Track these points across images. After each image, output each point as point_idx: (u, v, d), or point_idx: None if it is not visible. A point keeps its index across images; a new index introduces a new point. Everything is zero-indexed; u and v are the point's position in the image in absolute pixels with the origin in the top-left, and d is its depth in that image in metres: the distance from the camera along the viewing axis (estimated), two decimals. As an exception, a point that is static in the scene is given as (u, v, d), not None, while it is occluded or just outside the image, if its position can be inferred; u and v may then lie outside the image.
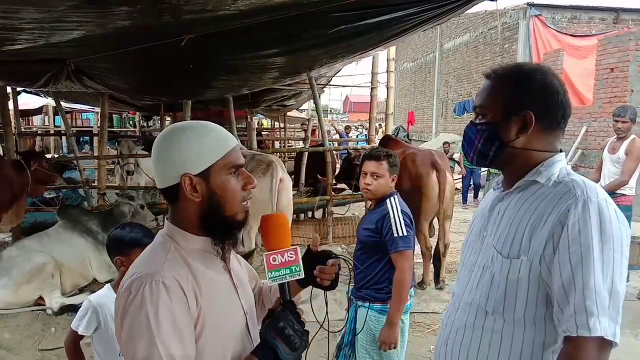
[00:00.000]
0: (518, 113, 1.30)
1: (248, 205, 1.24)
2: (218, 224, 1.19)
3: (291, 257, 1.26)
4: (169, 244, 1.18)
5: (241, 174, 1.22)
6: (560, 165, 1.32)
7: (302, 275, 1.27)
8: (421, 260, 5.51)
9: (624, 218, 1.22)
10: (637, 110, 5.30)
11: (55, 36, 3.34)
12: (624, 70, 9.24)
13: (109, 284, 2.19)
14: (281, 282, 1.25)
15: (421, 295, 5.05)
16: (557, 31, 13.76)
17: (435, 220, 5.46)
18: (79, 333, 2.07)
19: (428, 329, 4.35)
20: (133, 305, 1.05)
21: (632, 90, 9.16)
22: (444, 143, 12.47)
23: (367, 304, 2.59)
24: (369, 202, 2.86)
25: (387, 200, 2.61)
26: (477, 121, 1.39)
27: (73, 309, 4.38)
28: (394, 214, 2.54)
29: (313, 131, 11.35)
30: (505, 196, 1.39)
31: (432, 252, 5.31)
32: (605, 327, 1.11)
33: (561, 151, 1.38)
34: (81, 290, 4.92)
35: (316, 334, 1.34)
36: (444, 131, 19.81)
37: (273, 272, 1.25)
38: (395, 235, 2.49)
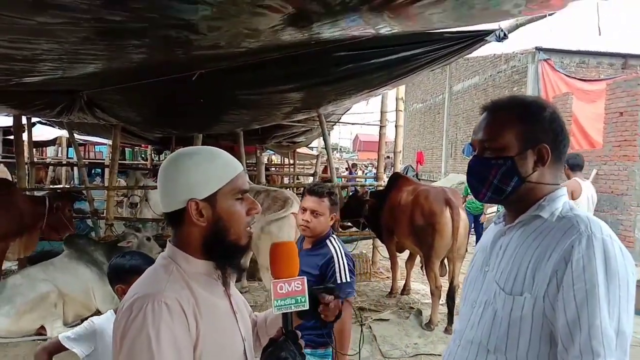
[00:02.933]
0: (534, 146, 1.29)
1: (252, 231, 1.25)
2: (222, 248, 1.19)
3: (298, 287, 1.25)
4: (171, 266, 1.18)
5: (246, 200, 1.23)
6: (563, 199, 1.30)
7: (307, 307, 1.26)
8: (429, 301, 5.42)
9: (629, 255, 1.19)
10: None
11: (71, 70, 3.43)
12: (633, 114, 9.27)
13: (111, 310, 2.18)
14: (286, 311, 1.24)
15: (428, 336, 4.93)
16: (566, 75, 13.90)
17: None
18: (65, 345, 2.02)
19: (434, 371, 4.23)
20: (134, 324, 1.04)
21: (641, 134, 9.16)
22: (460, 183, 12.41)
23: (309, 350, 2.41)
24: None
25: (328, 242, 2.47)
26: (487, 155, 1.34)
27: (74, 340, 4.33)
28: (338, 259, 2.40)
29: (325, 168, 11.40)
30: (507, 230, 1.36)
31: (445, 291, 5.20)
32: None
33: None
34: (83, 322, 4.85)
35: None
36: (453, 171, 19.82)
37: (279, 301, 1.24)
38: (339, 281, 2.35)
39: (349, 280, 2.39)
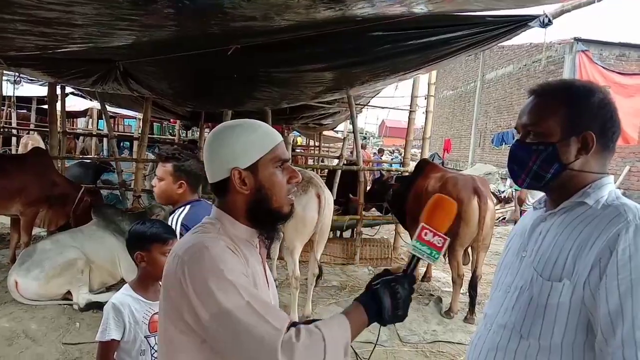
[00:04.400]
0: (578, 133, 1.24)
1: (293, 199, 1.29)
2: (265, 216, 1.25)
3: (439, 244, 1.30)
4: (218, 225, 1.24)
5: (286, 168, 1.27)
6: (609, 187, 1.26)
7: (434, 262, 1.37)
8: (449, 289, 5.38)
9: None
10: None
11: (107, 38, 3.45)
12: (673, 111, 8.94)
13: (127, 284, 2.11)
14: (417, 255, 1.30)
15: (447, 324, 4.90)
16: (604, 68, 13.44)
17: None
18: (111, 340, 1.93)
19: (452, 359, 4.21)
20: (202, 263, 1.09)
21: (681, 131, 8.85)
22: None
23: None
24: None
25: (178, 210, 2.30)
26: (529, 140, 1.31)
27: (99, 306, 4.43)
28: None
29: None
30: (548, 216, 1.33)
31: (467, 280, 5.16)
32: None
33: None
34: (108, 289, 4.98)
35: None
36: (480, 161, 19.53)
37: (417, 243, 1.30)
38: None
39: None
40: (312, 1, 2.58)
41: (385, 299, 1.19)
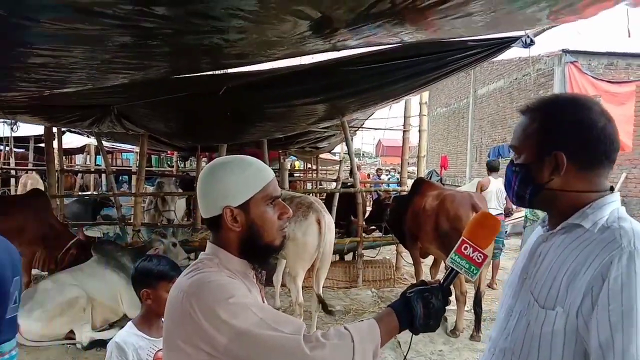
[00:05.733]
0: (549, 153, 1.20)
1: (286, 231, 1.32)
2: (258, 251, 1.29)
3: (479, 259, 1.30)
4: (216, 260, 1.27)
5: (277, 205, 1.30)
6: (612, 207, 1.18)
7: (472, 279, 1.37)
8: (454, 307, 5.36)
9: None
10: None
11: (103, 80, 3.51)
12: (664, 117, 9.04)
13: (130, 321, 2.11)
14: (455, 268, 1.31)
15: (453, 343, 4.88)
16: (594, 77, 13.60)
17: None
18: None
19: (460, 379, 4.18)
20: (207, 292, 1.14)
21: (673, 137, 8.92)
22: None
23: None
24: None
25: None
26: (515, 161, 1.30)
27: (102, 344, 4.41)
28: None
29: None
30: (549, 236, 1.28)
31: (470, 298, 5.15)
32: None
33: (612, 189, 1.23)
34: (111, 326, 4.95)
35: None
36: (477, 176, 19.53)
37: (456, 257, 1.31)
38: None
39: None
40: (308, 33, 2.63)
41: (418, 307, 1.22)
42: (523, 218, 10.25)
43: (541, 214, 9.62)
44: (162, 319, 1.31)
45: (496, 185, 7.18)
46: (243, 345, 1.11)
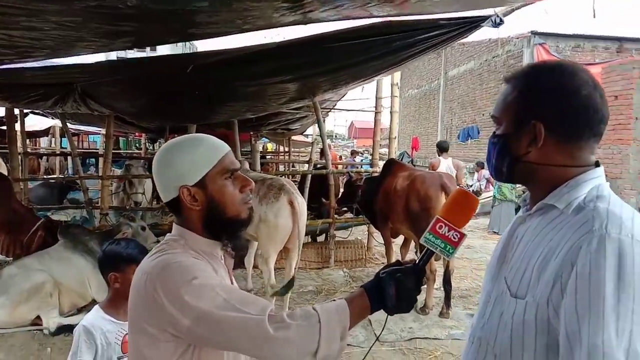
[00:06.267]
0: (527, 123, 1.11)
1: (251, 204, 1.30)
2: (222, 226, 1.26)
3: (454, 238, 1.25)
4: (182, 241, 1.25)
5: (237, 178, 1.28)
6: (592, 184, 1.08)
7: (450, 258, 1.31)
8: (424, 286, 5.44)
9: None
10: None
11: (67, 50, 3.35)
12: (628, 98, 9.29)
13: (97, 305, 2.08)
14: (429, 247, 1.27)
15: (423, 320, 4.96)
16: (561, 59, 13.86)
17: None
18: None
19: (429, 355, 4.26)
20: (170, 274, 1.12)
21: (636, 118, 9.19)
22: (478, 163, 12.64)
23: None
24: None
25: None
26: (496, 132, 1.21)
27: (70, 329, 4.32)
28: None
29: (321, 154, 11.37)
30: (527, 217, 1.19)
31: (440, 276, 5.24)
32: None
33: (597, 164, 1.13)
34: (79, 311, 4.86)
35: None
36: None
37: (431, 236, 1.26)
38: None
39: None
40: (275, 8, 2.58)
41: (389, 287, 1.19)
42: (491, 198, 10.50)
43: (509, 193, 9.87)
44: None
45: (446, 164, 7.78)
46: (205, 327, 1.09)
